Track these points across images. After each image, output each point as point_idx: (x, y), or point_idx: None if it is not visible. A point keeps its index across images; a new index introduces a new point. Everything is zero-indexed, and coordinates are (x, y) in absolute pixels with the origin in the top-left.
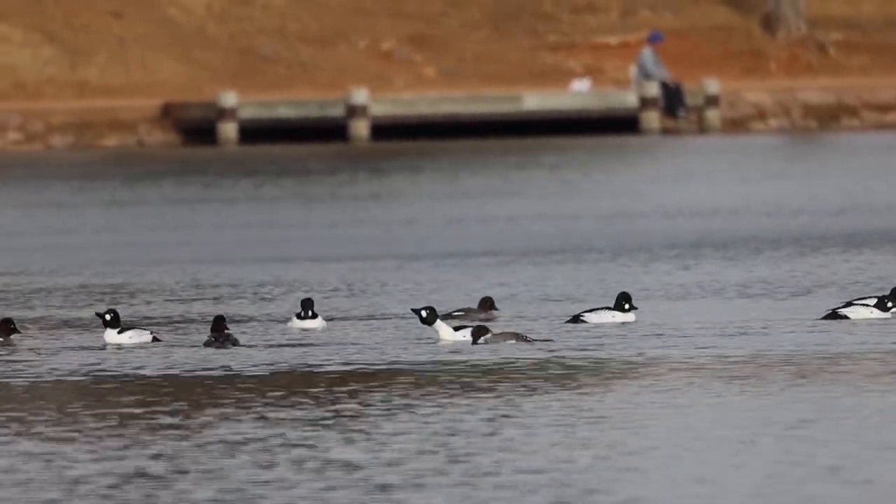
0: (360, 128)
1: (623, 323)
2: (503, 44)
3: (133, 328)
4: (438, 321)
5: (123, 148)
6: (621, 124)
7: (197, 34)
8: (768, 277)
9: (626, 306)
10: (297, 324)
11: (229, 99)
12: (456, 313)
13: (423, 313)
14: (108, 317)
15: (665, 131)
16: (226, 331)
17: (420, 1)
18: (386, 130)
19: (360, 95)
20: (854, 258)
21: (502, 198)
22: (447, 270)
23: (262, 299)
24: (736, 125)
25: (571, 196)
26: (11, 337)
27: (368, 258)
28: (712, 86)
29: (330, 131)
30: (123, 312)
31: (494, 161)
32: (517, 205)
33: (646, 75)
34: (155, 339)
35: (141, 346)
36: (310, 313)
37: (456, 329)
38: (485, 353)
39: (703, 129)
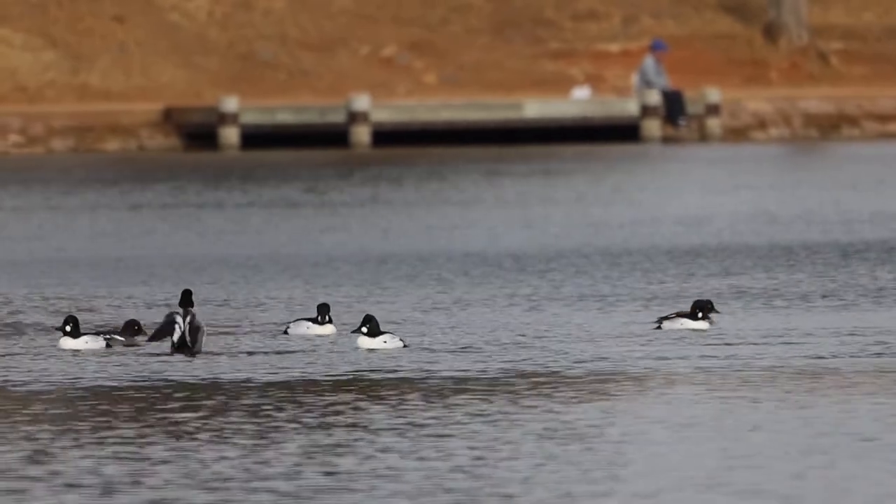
0: (362, 134)
1: (695, 330)
2: (504, 51)
3: (87, 333)
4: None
5: (124, 152)
6: (622, 132)
7: (198, 39)
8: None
9: (700, 314)
10: (314, 329)
11: (230, 104)
12: (671, 315)
13: (364, 329)
14: (68, 327)
15: (666, 140)
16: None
17: (421, 8)
18: (387, 137)
19: (362, 102)
20: (851, 268)
21: (500, 206)
22: (442, 279)
23: (261, 305)
24: (737, 134)
25: (569, 204)
26: (136, 338)
27: (363, 265)
28: (713, 94)
29: (331, 137)
30: (112, 319)
31: (494, 168)
32: (513, 213)
33: (647, 83)
34: (108, 346)
35: (95, 352)
36: (327, 318)
37: (374, 336)
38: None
39: (703, 137)
